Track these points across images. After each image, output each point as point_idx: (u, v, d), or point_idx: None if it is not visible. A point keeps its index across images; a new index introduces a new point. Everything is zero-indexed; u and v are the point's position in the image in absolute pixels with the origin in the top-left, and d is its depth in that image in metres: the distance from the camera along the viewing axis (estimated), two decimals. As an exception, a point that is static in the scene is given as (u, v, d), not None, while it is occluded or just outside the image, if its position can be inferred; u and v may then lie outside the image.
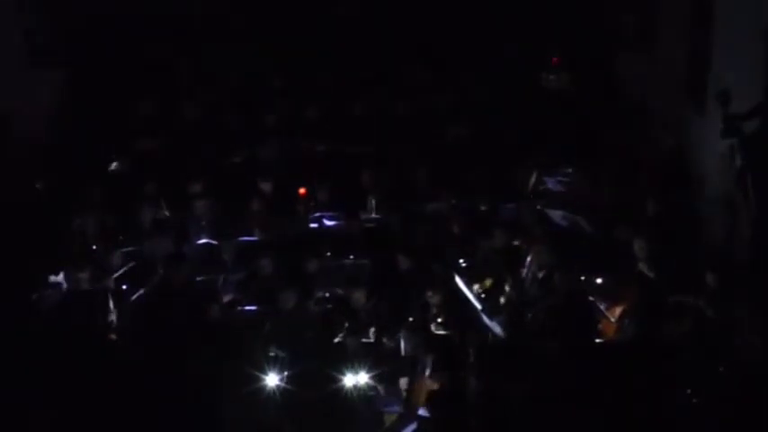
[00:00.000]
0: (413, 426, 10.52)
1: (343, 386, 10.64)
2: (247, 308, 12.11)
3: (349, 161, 14.91)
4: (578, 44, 16.34)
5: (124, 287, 12.33)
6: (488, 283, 12.29)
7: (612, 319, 11.55)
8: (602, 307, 11.67)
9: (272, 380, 10.63)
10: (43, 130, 15.47)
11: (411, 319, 11.77)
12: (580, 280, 12.03)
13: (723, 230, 13.31)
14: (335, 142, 15.24)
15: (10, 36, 15.20)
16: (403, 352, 11.45)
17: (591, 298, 11.73)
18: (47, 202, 13.94)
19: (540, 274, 12.12)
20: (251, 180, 14.38)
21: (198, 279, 12.51)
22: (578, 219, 13.09)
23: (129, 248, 12.99)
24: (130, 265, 12.66)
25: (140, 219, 13.58)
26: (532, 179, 13.98)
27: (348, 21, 16.91)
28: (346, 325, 11.47)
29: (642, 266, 12.16)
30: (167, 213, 13.88)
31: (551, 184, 13.89)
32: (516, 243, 12.86)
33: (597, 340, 11.43)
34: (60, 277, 12.32)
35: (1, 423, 10.43)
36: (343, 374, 10.66)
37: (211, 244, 13.30)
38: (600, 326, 11.58)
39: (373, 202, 14.02)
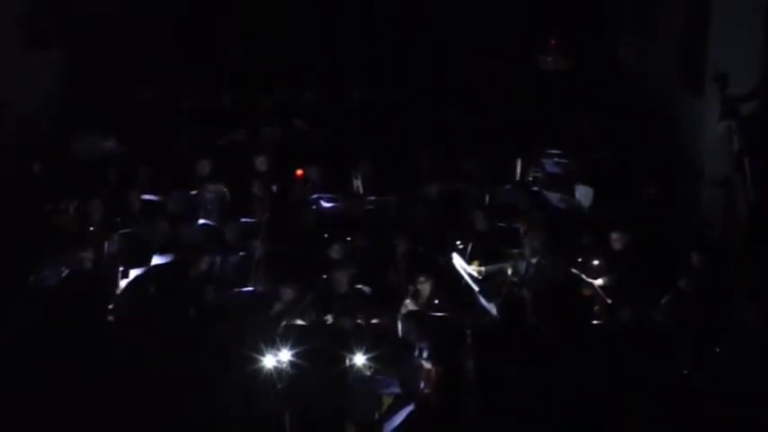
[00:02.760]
0: (410, 407, 10.54)
1: (340, 367, 10.66)
2: (244, 290, 12.11)
3: (346, 144, 14.92)
4: (577, 27, 16.32)
5: (122, 269, 12.34)
6: (475, 265, 12.29)
7: (608, 301, 11.61)
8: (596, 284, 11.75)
9: (269, 361, 10.63)
10: (41, 115, 15.42)
11: (408, 301, 11.75)
12: (575, 263, 12.06)
13: (721, 212, 13.32)
14: (333, 126, 15.24)
15: (5, 20, 15.15)
16: (400, 334, 11.44)
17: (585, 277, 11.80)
18: (44, 184, 13.91)
19: (534, 260, 12.12)
20: (250, 161, 14.39)
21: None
22: (576, 201, 13.09)
23: (127, 230, 13.02)
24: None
25: (129, 202, 13.59)
26: (518, 168, 13.93)
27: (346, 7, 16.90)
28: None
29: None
30: (157, 197, 13.87)
31: (549, 166, 13.89)
32: (504, 225, 12.88)
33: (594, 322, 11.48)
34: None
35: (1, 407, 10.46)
36: (341, 355, 10.67)
37: (210, 226, 13.32)
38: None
39: (359, 182, 14.00)
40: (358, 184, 14.00)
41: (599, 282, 11.82)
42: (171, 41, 16.68)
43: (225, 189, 13.93)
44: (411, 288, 11.79)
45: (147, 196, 13.79)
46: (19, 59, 15.25)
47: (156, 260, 12.47)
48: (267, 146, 14.81)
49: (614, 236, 12.27)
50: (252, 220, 13.31)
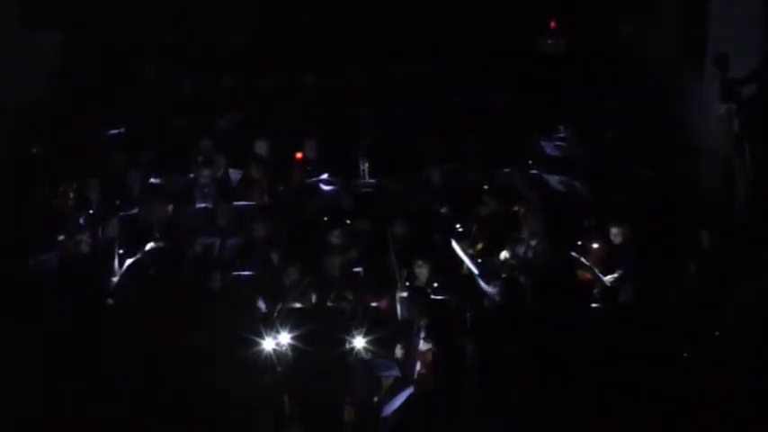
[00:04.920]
0: (410, 390, 10.56)
1: (340, 350, 10.68)
2: (244, 273, 12.13)
3: (346, 125, 14.91)
4: (577, 10, 16.27)
5: (121, 252, 12.35)
6: (479, 247, 12.29)
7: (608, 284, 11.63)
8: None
9: (268, 344, 10.65)
10: (41, 96, 15.40)
11: (408, 284, 11.77)
12: (575, 246, 12.07)
13: (721, 194, 13.33)
14: (332, 106, 15.23)
15: (5, 1, 15.13)
16: (399, 317, 11.45)
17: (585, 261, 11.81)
18: (44, 167, 13.91)
19: (533, 242, 12.12)
20: (248, 144, 14.38)
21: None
22: (575, 184, 13.09)
23: (126, 213, 13.03)
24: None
25: (129, 184, 13.61)
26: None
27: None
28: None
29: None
30: (158, 180, 13.88)
31: (549, 148, 13.87)
32: (515, 208, 12.86)
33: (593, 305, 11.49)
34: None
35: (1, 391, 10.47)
36: (340, 338, 10.69)
37: (209, 209, 13.32)
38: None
39: (366, 166, 14.00)
40: (364, 168, 14.00)
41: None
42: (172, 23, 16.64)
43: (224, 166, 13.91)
44: (405, 271, 11.80)
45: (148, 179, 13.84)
46: (19, 40, 15.21)
47: None
48: (267, 128, 14.80)
49: (614, 231, 12.20)
50: (247, 203, 13.35)
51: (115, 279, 12.02)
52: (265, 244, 12.54)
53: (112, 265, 12.11)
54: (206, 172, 13.80)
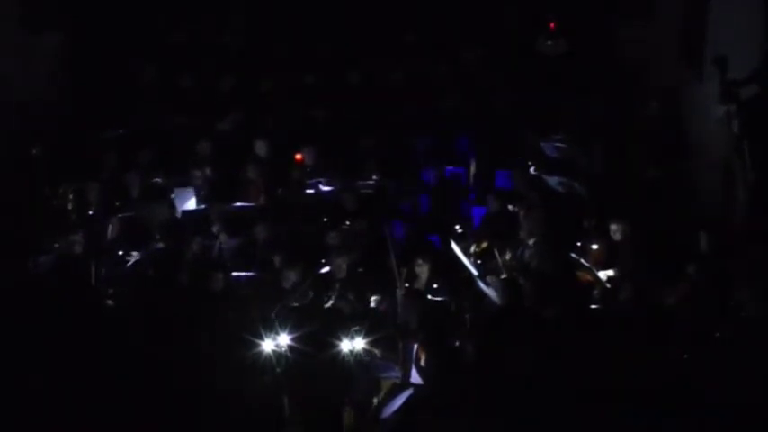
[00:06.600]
0: (409, 392, 10.56)
1: (339, 351, 10.67)
2: (243, 274, 12.12)
3: (346, 127, 14.92)
4: (576, 10, 16.28)
5: (120, 253, 12.36)
6: (483, 246, 12.30)
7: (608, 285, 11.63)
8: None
9: (268, 345, 10.65)
10: (41, 96, 15.40)
11: (407, 285, 11.77)
12: (575, 247, 12.08)
13: (720, 196, 13.33)
14: (333, 108, 15.24)
15: (4, 2, 15.12)
16: (399, 318, 11.45)
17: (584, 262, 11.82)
18: (43, 168, 13.92)
19: (531, 241, 12.13)
20: (247, 145, 14.39)
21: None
22: (574, 184, 13.11)
23: (126, 214, 13.04)
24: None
25: (129, 185, 13.62)
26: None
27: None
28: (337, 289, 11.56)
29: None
30: (159, 180, 13.89)
31: (548, 149, 13.89)
32: (512, 208, 12.88)
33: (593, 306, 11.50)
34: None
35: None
36: (340, 339, 10.68)
37: (208, 211, 13.34)
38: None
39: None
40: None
41: (602, 274, 11.83)
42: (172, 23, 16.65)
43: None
44: (404, 270, 11.80)
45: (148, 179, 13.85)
46: (19, 40, 15.21)
47: None
48: (267, 128, 14.81)
49: (613, 227, 12.23)
50: (244, 205, 13.35)
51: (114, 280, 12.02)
52: (265, 245, 12.54)
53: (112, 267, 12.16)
54: (197, 173, 13.82)
